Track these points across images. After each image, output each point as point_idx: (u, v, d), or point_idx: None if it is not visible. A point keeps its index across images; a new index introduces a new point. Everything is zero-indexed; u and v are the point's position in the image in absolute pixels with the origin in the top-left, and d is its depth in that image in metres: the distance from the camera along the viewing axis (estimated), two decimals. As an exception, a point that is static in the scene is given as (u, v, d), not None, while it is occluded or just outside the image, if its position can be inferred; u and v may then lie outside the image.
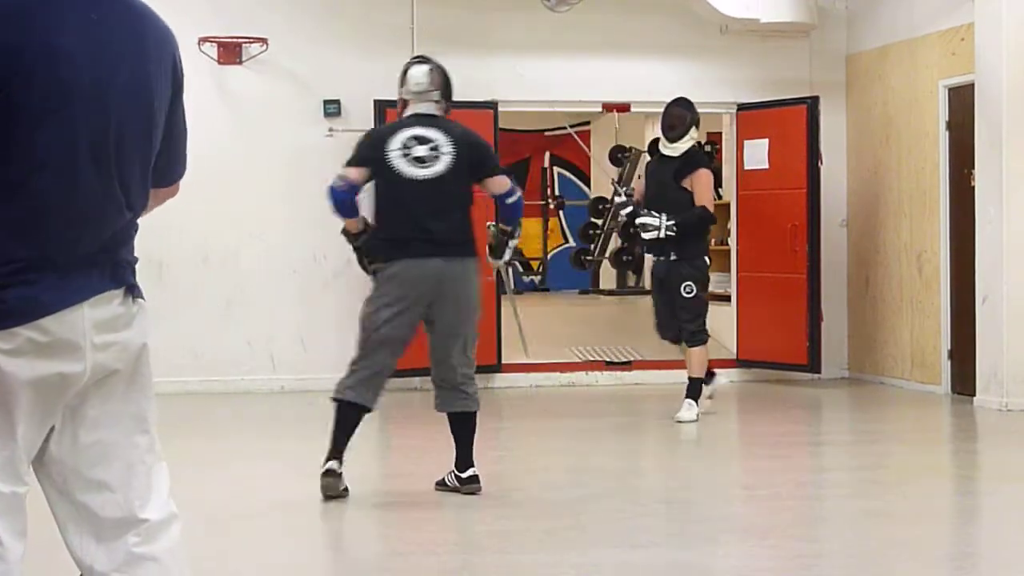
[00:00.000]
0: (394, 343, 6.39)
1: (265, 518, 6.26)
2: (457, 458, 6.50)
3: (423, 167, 6.30)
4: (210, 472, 7.47)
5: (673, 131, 9.28)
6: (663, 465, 8.05)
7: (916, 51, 10.86)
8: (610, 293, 17.21)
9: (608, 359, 11.47)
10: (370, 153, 6.39)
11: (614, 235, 17.48)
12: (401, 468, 7.90)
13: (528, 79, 11.41)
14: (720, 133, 15.28)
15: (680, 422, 8.85)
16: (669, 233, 8.83)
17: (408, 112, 6.50)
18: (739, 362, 11.74)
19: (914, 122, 10.88)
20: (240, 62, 11.01)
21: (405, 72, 6.57)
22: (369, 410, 6.42)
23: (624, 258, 17.22)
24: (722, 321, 12.51)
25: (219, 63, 10.96)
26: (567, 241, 19.79)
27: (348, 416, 6.40)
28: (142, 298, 2.73)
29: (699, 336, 9.01)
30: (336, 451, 6.40)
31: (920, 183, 10.82)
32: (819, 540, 5.87)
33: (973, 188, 9.98)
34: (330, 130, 11.08)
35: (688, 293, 8.94)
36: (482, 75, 11.18)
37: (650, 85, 11.67)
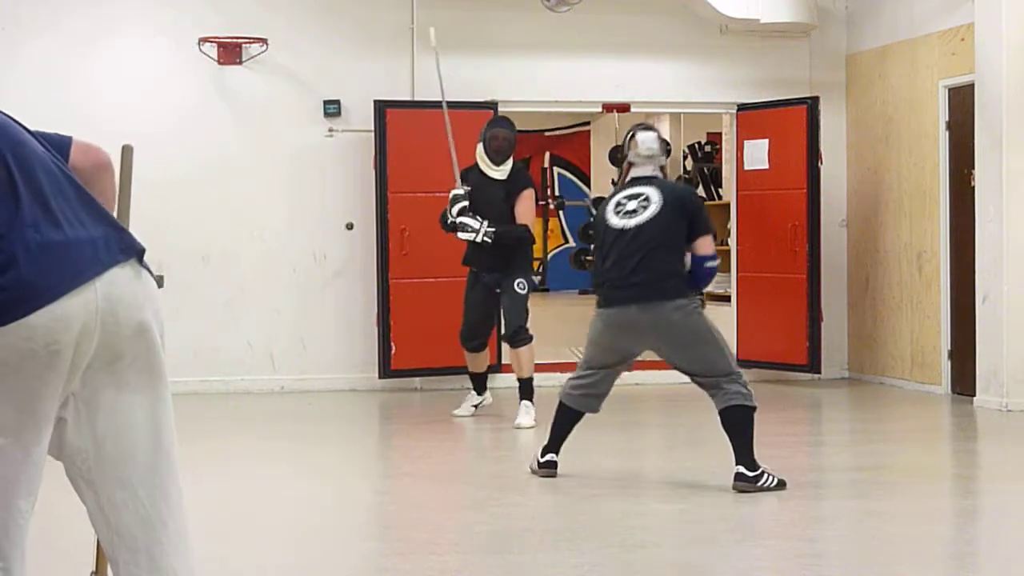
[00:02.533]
0: (606, 368, 7.04)
1: (265, 518, 6.26)
2: (738, 454, 6.82)
3: (631, 217, 6.75)
4: (210, 472, 7.47)
5: (501, 154, 8.99)
6: (663, 465, 8.05)
7: (916, 51, 10.86)
8: (610, 293, 17.19)
9: (608, 359, 11.45)
10: (598, 223, 7.01)
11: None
12: (401, 468, 7.90)
13: (528, 79, 11.41)
14: (720, 133, 15.30)
15: (520, 428, 8.78)
16: (486, 239, 8.76)
17: (632, 174, 6.97)
18: (739, 362, 11.71)
19: (914, 122, 10.88)
20: (240, 62, 11.01)
21: (632, 136, 7.02)
22: (582, 414, 7.05)
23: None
24: (722, 321, 12.50)
25: (219, 63, 10.96)
26: (567, 241, 19.81)
27: (567, 417, 7.01)
28: None
29: (525, 335, 8.99)
30: (553, 444, 6.99)
31: (920, 183, 10.82)
32: (819, 540, 5.87)
33: (973, 188, 9.99)
34: (330, 130, 11.09)
35: (521, 289, 8.93)
36: (482, 75, 11.19)
37: (650, 85, 11.67)
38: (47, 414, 2.61)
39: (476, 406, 9.43)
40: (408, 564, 5.35)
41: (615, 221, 6.75)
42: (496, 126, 9.09)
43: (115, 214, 2.89)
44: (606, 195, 7.41)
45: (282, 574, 5.30)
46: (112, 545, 2.76)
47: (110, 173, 2.83)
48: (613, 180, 14.18)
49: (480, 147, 9.04)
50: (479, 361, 9.38)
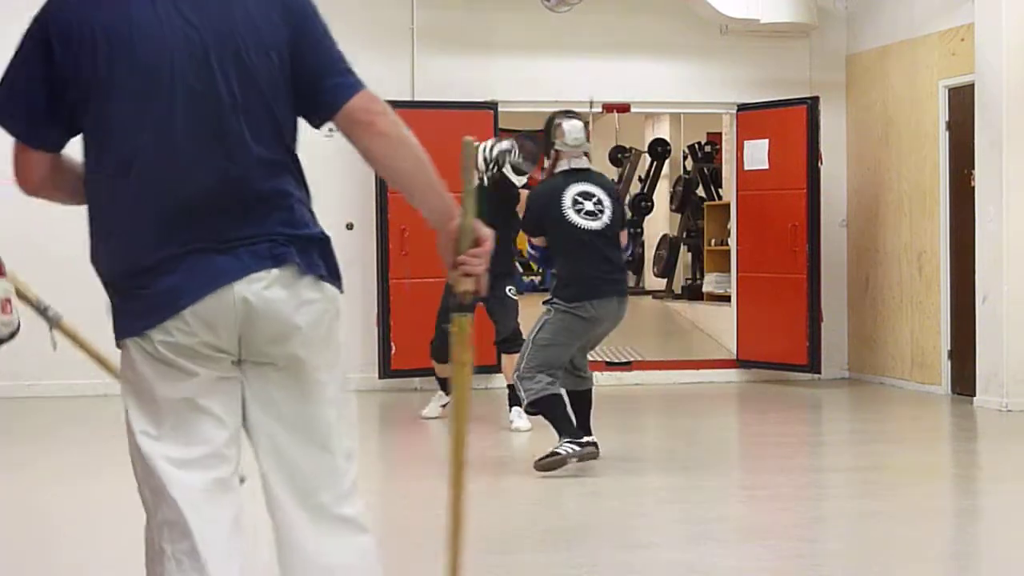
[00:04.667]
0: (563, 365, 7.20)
1: (264, 518, 6.25)
2: (578, 426, 7.17)
3: (594, 219, 7.14)
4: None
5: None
6: (663, 465, 8.05)
7: (916, 51, 10.86)
8: (610, 293, 17.20)
9: (608, 359, 11.47)
10: (547, 214, 7.19)
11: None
12: (401, 468, 7.90)
13: (528, 79, 11.41)
14: (720, 133, 15.30)
15: (518, 430, 8.73)
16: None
17: (562, 166, 7.28)
18: (739, 362, 11.75)
19: (914, 122, 10.88)
20: (240, 62, 11.00)
21: (558, 126, 7.28)
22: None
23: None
24: (722, 321, 12.52)
25: (219, 63, 10.96)
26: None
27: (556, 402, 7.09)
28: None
29: (519, 340, 8.93)
30: (573, 430, 7.06)
31: (920, 183, 10.83)
32: (819, 540, 5.87)
33: (973, 188, 9.99)
34: (330, 130, 11.03)
35: (512, 295, 8.89)
36: (482, 75, 11.19)
37: (650, 85, 11.67)
38: (207, 403, 2.71)
39: (444, 406, 9.28)
40: (408, 564, 5.34)
41: (580, 222, 7.12)
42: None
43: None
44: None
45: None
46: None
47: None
48: (614, 180, 14.13)
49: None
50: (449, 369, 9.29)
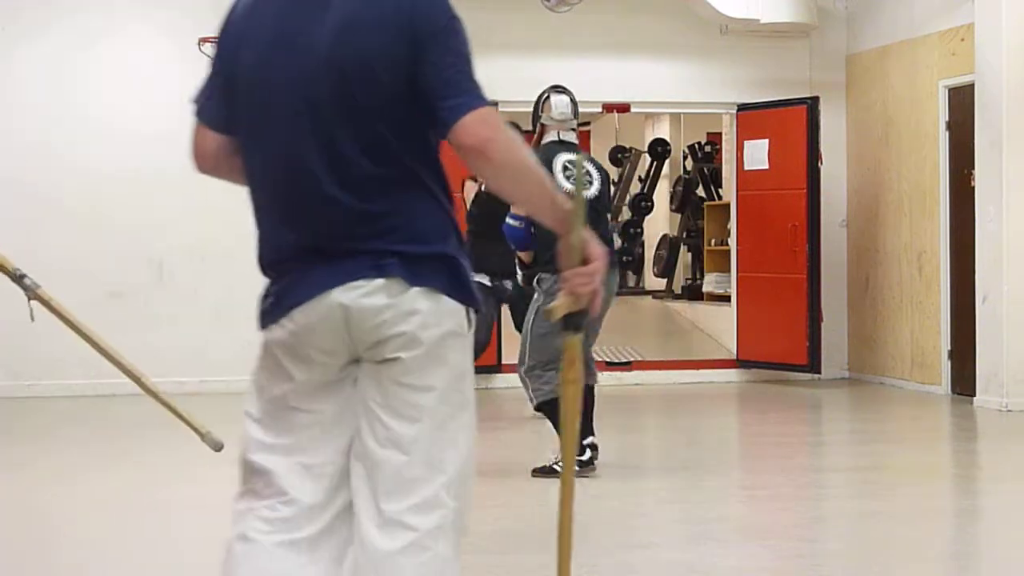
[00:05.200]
0: None
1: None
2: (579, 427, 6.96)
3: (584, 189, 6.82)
4: (210, 472, 7.47)
5: None
6: (663, 465, 8.05)
7: (916, 51, 10.86)
8: (610, 293, 17.21)
9: (608, 359, 11.47)
10: None
11: (614, 236, 17.47)
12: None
13: (528, 79, 11.39)
14: (720, 133, 15.30)
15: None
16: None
17: (550, 137, 7.14)
18: (739, 362, 11.75)
19: (914, 122, 10.88)
20: (240, 62, 11.00)
21: (546, 99, 7.21)
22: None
23: (624, 259, 17.23)
24: (722, 321, 12.52)
25: (219, 63, 10.95)
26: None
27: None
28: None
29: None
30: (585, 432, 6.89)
31: (920, 183, 10.82)
32: (819, 540, 5.87)
33: (973, 188, 9.99)
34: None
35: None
36: (482, 75, 11.16)
37: (650, 85, 11.67)
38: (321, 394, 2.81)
39: None
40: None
41: (569, 187, 6.77)
42: None
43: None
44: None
45: (282, 574, 5.30)
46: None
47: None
48: (614, 180, 14.11)
49: None
50: None
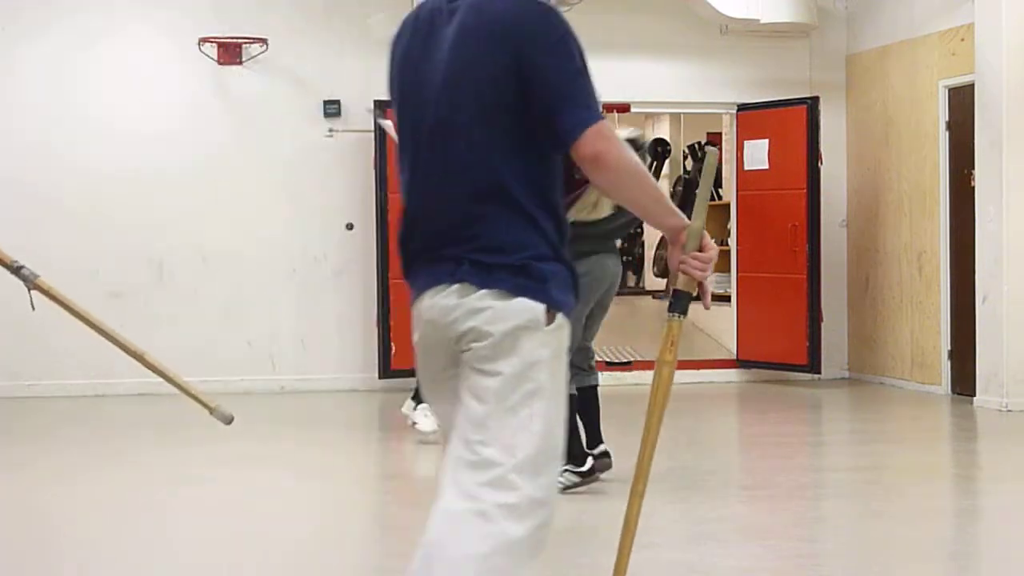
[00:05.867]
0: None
1: (265, 519, 6.26)
2: (588, 437, 6.90)
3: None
4: (210, 472, 7.47)
5: None
6: (663, 465, 8.05)
7: (916, 51, 10.86)
8: (610, 293, 17.20)
9: (608, 359, 11.46)
10: None
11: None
12: (400, 468, 7.90)
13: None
14: (720, 133, 15.29)
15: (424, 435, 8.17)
16: None
17: None
18: (739, 362, 11.74)
19: (914, 122, 10.88)
20: (240, 62, 11.01)
21: None
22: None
23: (624, 258, 17.23)
24: (722, 321, 12.52)
25: (219, 63, 10.96)
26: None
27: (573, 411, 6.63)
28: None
29: None
30: (580, 451, 6.72)
31: (920, 183, 10.82)
32: (819, 540, 5.87)
33: (973, 188, 9.98)
34: (330, 130, 11.09)
35: None
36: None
37: (650, 85, 11.67)
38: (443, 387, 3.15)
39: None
40: (408, 564, 5.34)
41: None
42: None
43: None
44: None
45: (282, 573, 5.30)
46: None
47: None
48: None
49: None
50: None
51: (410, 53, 3.03)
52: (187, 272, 10.98)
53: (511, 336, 2.93)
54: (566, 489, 6.56)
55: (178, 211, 10.87)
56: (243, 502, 6.61)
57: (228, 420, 4.68)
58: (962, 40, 10.21)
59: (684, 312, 3.00)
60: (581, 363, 6.95)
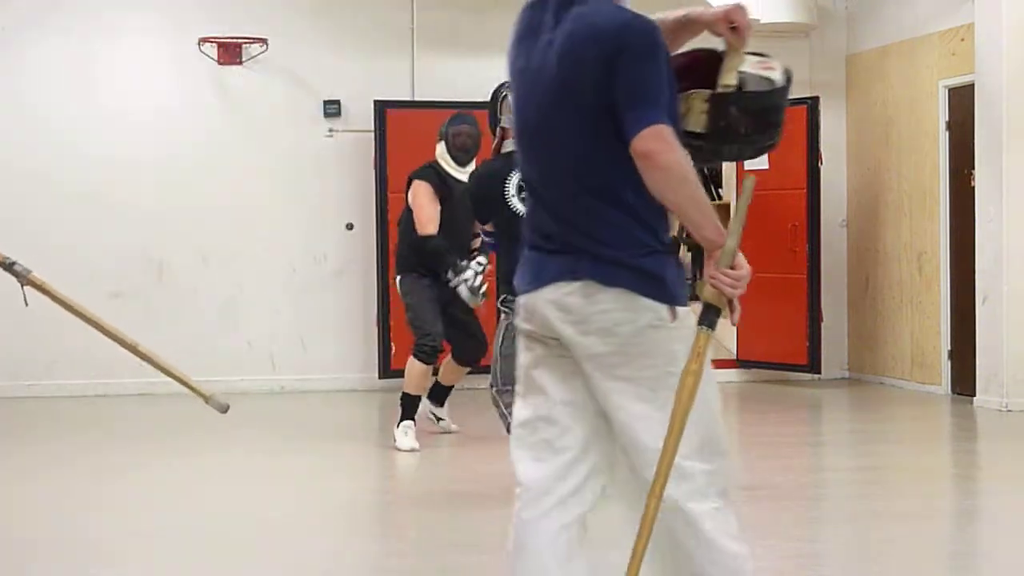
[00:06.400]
0: None
1: (265, 518, 6.26)
2: None
3: None
4: (210, 472, 7.47)
5: (467, 153, 8.15)
6: (663, 465, 8.05)
7: (916, 51, 10.86)
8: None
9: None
10: (490, 199, 6.47)
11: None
12: (401, 468, 7.90)
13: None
14: (720, 133, 15.29)
15: (400, 450, 8.04)
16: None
17: (508, 146, 6.46)
18: (739, 362, 11.74)
19: (914, 122, 10.87)
20: (240, 62, 11.01)
21: (504, 99, 6.57)
22: None
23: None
24: (722, 321, 12.52)
25: (219, 63, 10.96)
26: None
27: None
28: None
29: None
30: None
31: (920, 183, 10.82)
32: (819, 540, 5.87)
33: (973, 188, 9.98)
34: (330, 130, 11.09)
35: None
36: (482, 75, 11.16)
37: (650, 85, 11.66)
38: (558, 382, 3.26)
39: (441, 420, 8.66)
40: (408, 564, 5.35)
41: (522, 208, 6.20)
42: (460, 122, 8.25)
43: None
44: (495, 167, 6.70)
45: (282, 574, 5.30)
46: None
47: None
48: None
49: (441, 147, 8.20)
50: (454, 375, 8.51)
51: (517, 59, 3.30)
52: (187, 272, 10.98)
53: (642, 337, 3.12)
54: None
55: (178, 211, 10.87)
56: (242, 501, 6.60)
57: (224, 409, 4.69)
58: (962, 40, 10.21)
59: (712, 326, 3.10)
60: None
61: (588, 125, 3.11)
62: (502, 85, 6.66)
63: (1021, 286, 9.54)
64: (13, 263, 4.73)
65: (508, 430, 6.40)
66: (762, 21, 11.31)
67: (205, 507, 6.46)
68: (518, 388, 3.34)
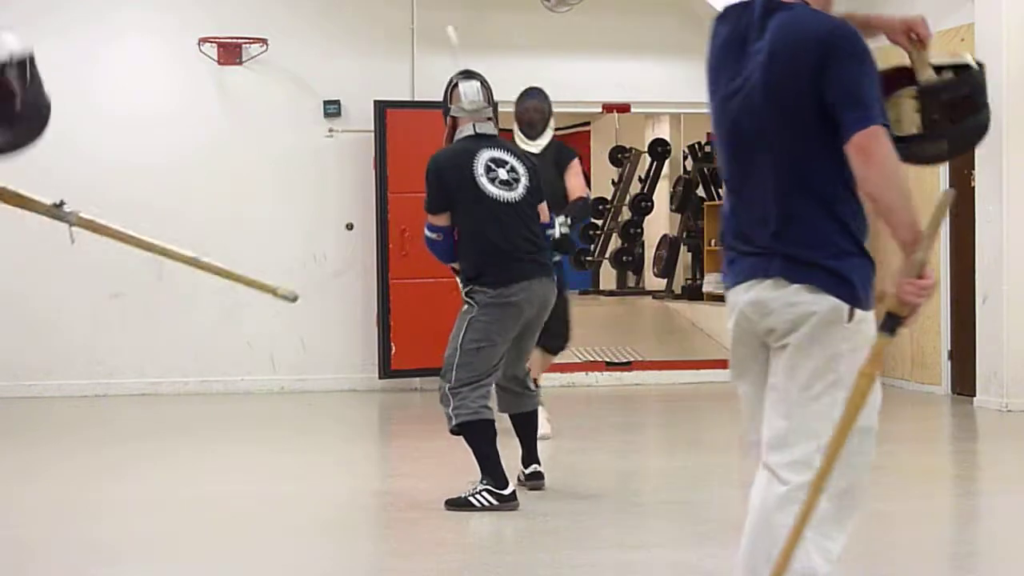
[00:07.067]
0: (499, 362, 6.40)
1: (265, 518, 6.26)
2: (524, 456, 6.69)
3: (508, 188, 6.38)
4: (210, 472, 7.48)
5: (534, 128, 8.25)
6: (663, 465, 8.05)
7: (916, 51, 10.84)
8: (610, 293, 17.21)
9: (608, 359, 11.47)
10: (455, 182, 6.33)
11: (614, 235, 17.47)
12: (401, 468, 7.90)
13: (528, 79, 11.39)
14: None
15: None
16: (564, 230, 7.62)
17: (465, 132, 6.45)
18: (739, 362, 11.74)
19: (914, 122, 10.85)
20: (240, 62, 11.02)
21: (454, 88, 6.53)
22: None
23: (624, 259, 17.23)
24: (722, 321, 12.51)
25: (219, 63, 10.96)
26: (567, 241, 19.74)
27: (489, 432, 6.30)
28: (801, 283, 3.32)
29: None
30: (498, 474, 6.27)
31: (920, 183, 10.81)
32: (819, 540, 5.85)
33: (973, 188, 9.98)
34: (330, 130, 11.09)
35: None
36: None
37: (650, 85, 11.68)
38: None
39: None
40: (408, 564, 5.35)
41: (493, 191, 6.31)
42: (527, 98, 8.39)
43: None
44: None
45: (282, 574, 5.30)
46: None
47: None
48: (614, 180, 14.05)
49: (515, 126, 8.35)
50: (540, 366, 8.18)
51: (723, 69, 3.52)
52: (187, 272, 10.93)
53: (815, 330, 3.30)
54: (481, 510, 6.16)
55: (178, 210, 10.86)
56: (243, 501, 6.60)
57: (293, 298, 4.80)
58: (962, 40, 10.21)
59: (892, 332, 3.21)
60: (515, 386, 6.60)
61: (799, 128, 3.28)
62: (458, 74, 6.62)
63: (1021, 286, 9.54)
64: (60, 204, 4.85)
65: (454, 431, 6.23)
66: (762, 21, 11.31)
67: (205, 507, 6.46)
68: (732, 371, 3.56)
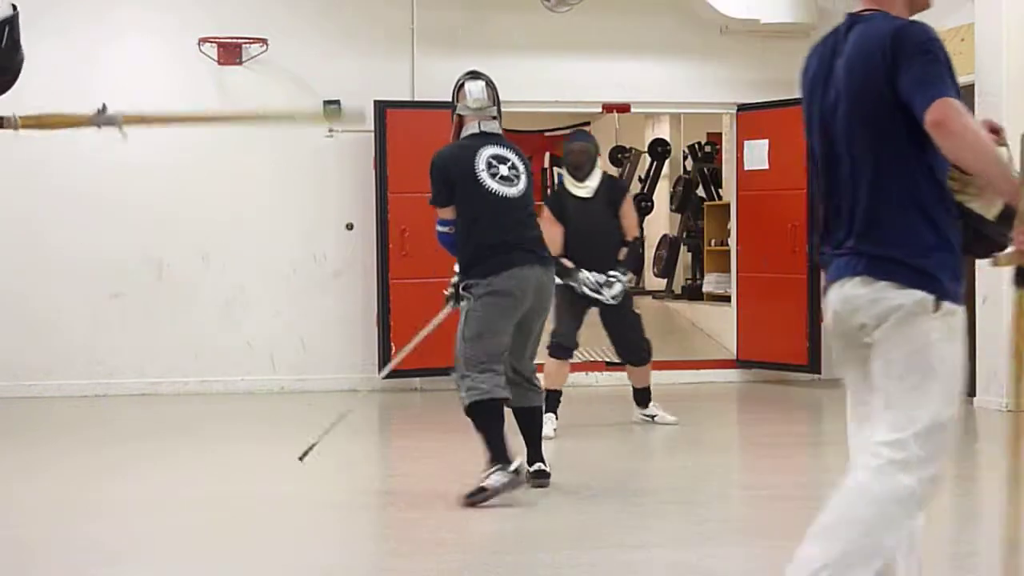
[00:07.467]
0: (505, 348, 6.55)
1: (265, 518, 6.26)
2: (528, 453, 6.72)
3: (509, 185, 6.56)
4: (210, 472, 7.47)
5: (580, 169, 8.72)
6: (663, 465, 8.05)
7: (916, 51, 10.84)
8: (610, 293, 17.18)
9: (608, 359, 11.46)
10: (458, 177, 6.53)
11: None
12: (401, 468, 7.90)
13: (528, 79, 11.41)
14: (720, 133, 15.29)
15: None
16: (622, 286, 8.63)
17: (470, 130, 6.68)
18: (739, 362, 11.74)
19: (914, 122, 10.86)
20: (240, 62, 11.02)
21: (460, 87, 6.82)
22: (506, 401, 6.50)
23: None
24: (722, 321, 12.52)
25: (219, 63, 10.97)
26: (567, 241, 19.73)
27: (497, 411, 6.41)
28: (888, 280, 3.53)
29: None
30: (506, 456, 6.34)
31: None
32: (819, 540, 5.85)
33: (973, 188, 9.98)
34: (330, 130, 11.09)
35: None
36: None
37: (650, 85, 11.67)
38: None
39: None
40: (408, 564, 5.35)
41: (494, 186, 6.50)
42: (572, 141, 8.91)
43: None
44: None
45: (282, 574, 5.30)
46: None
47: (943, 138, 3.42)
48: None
49: (565, 170, 8.85)
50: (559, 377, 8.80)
51: (816, 85, 3.70)
52: (187, 272, 10.98)
53: (902, 322, 3.50)
54: (496, 493, 6.26)
55: (178, 211, 10.87)
56: (242, 501, 6.60)
57: (362, 117, 4.88)
58: (962, 40, 10.20)
59: (1022, 284, 3.48)
60: (520, 381, 6.65)
61: (880, 129, 3.49)
62: (465, 75, 6.90)
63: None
64: (104, 109, 4.93)
65: (467, 411, 6.37)
66: (762, 21, 11.31)
67: (205, 507, 6.45)
68: (835, 363, 3.82)
